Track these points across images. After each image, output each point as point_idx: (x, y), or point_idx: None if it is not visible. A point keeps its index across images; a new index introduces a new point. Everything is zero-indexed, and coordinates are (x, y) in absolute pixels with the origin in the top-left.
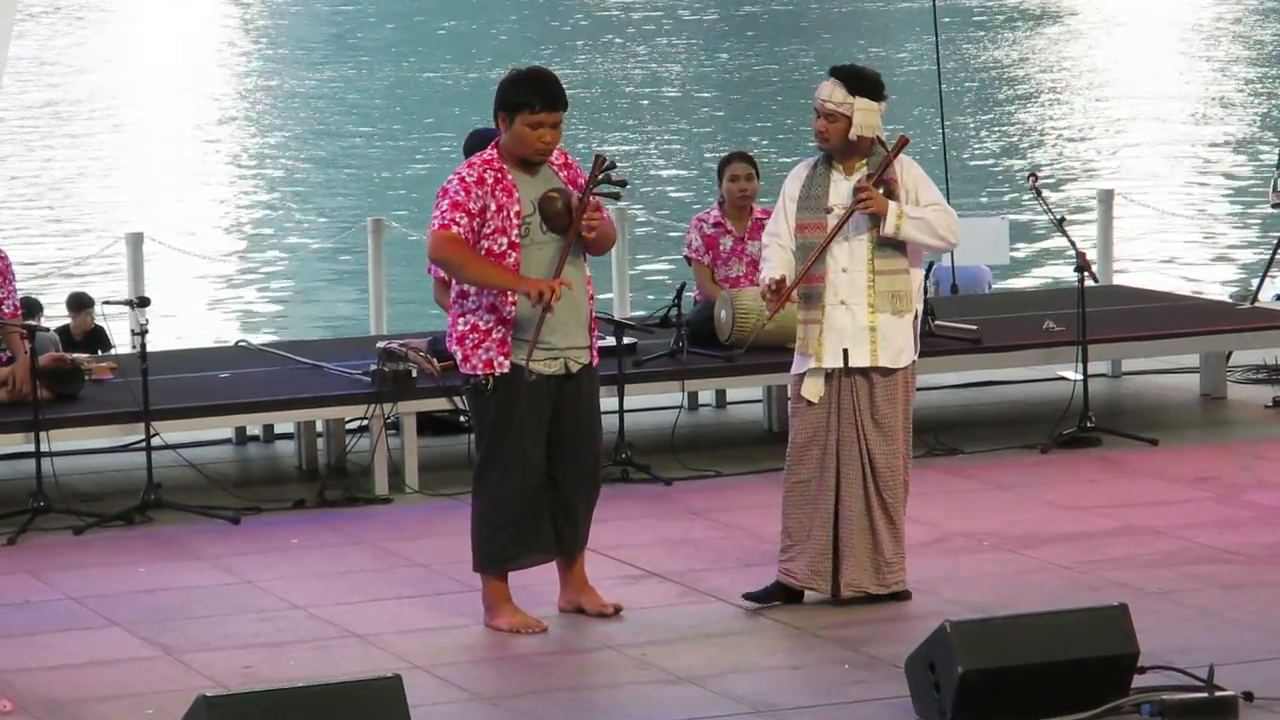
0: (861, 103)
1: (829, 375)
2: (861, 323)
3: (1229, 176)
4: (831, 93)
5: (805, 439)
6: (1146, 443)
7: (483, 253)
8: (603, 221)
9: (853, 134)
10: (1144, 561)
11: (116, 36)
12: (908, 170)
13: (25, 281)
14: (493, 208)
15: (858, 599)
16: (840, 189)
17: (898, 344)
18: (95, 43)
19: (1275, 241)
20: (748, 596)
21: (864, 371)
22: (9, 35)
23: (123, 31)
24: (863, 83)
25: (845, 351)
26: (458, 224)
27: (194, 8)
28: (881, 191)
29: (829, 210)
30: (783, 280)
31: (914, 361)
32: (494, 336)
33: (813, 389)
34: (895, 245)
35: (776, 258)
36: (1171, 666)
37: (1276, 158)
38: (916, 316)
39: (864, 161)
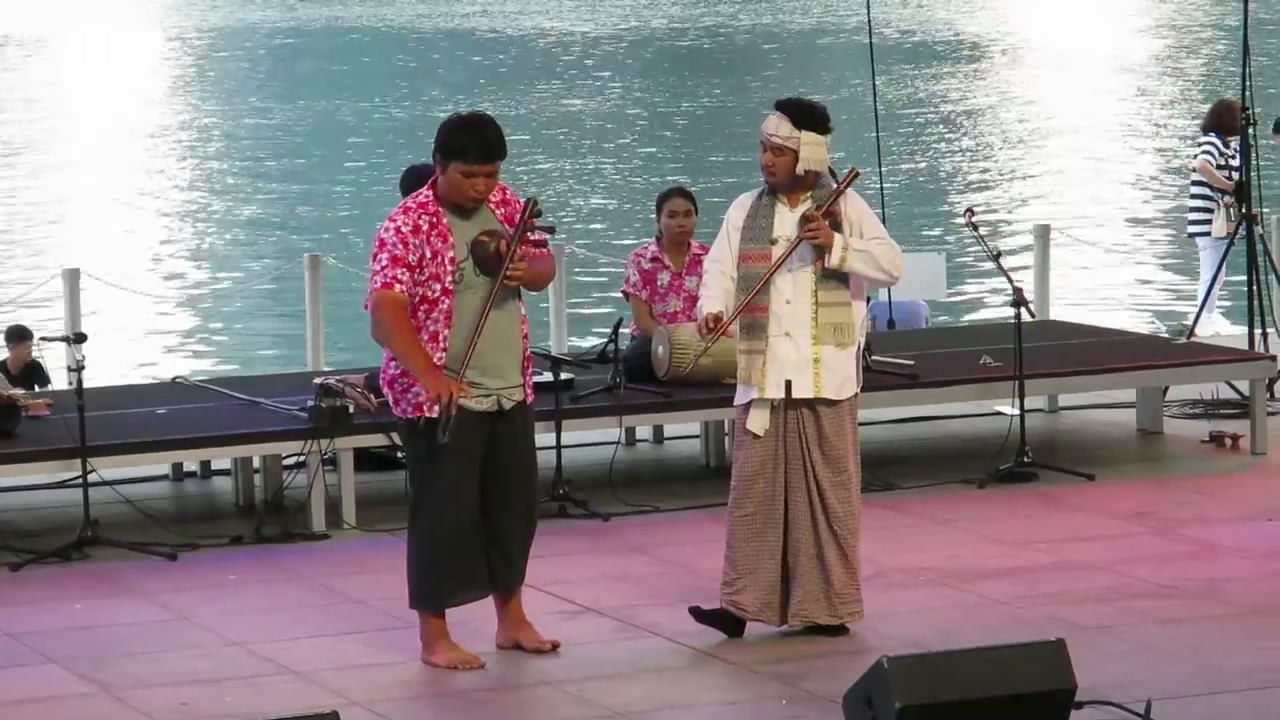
0: (808, 136)
1: (774, 407)
2: (805, 354)
3: (1162, 211)
4: (778, 127)
5: (751, 472)
6: (1084, 478)
7: (418, 299)
8: (525, 273)
9: (800, 168)
10: (1081, 596)
11: (51, 71)
12: (852, 203)
13: None
14: (428, 255)
15: (799, 631)
16: (785, 221)
17: (841, 375)
18: (31, 77)
19: (1210, 278)
20: (693, 610)
21: (809, 403)
22: None
23: (58, 66)
24: (809, 116)
25: (789, 383)
26: (399, 280)
27: (131, 43)
28: (828, 223)
29: (774, 242)
30: (719, 316)
31: (857, 393)
32: None
33: (758, 422)
34: (838, 277)
35: (717, 285)
36: (1109, 701)
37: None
38: (859, 348)
39: (809, 194)
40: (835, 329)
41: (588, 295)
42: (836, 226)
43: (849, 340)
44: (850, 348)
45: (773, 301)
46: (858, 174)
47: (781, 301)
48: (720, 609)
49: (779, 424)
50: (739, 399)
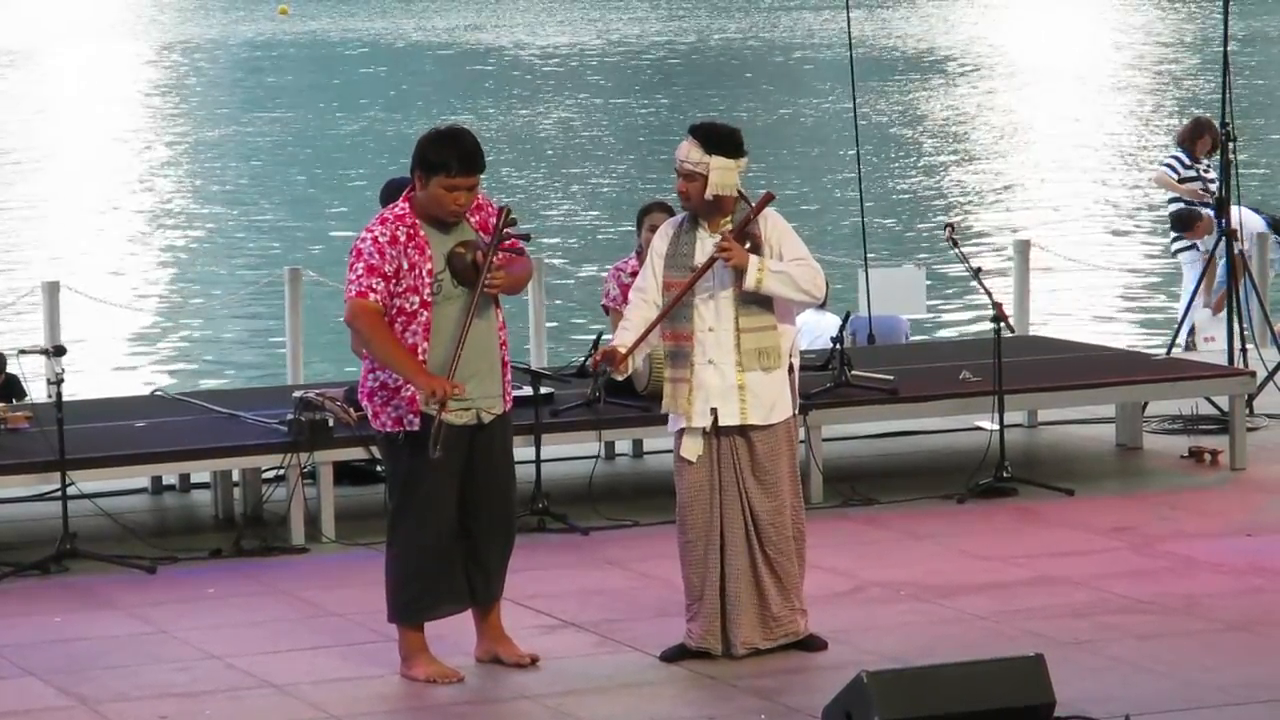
0: (718, 161)
1: (706, 434)
2: (730, 381)
3: (1142, 227)
4: (689, 153)
5: (689, 499)
6: (1063, 493)
7: (395, 310)
8: (504, 281)
9: (709, 193)
10: (1060, 611)
11: (31, 83)
12: (772, 224)
13: None
14: (405, 266)
15: (776, 646)
16: (707, 247)
17: (769, 400)
18: (11, 89)
19: (1190, 292)
20: (663, 658)
21: (740, 430)
22: None
23: (40, 79)
24: (719, 140)
25: (715, 410)
26: (374, 290)
27: (114, 55)
28: (747, 247)
29: (695, 269)
30: (615, 352)
31: (794, 416)
32: (403, 394)
33: (691, 448)
34: (760, 302)
35: (635, 315)
36: (1087, 717)
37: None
38: (792, 370)
39: (728, 219)
40: (760, 354)
41: (567, 309)
42: (756, 249)
43: (775, 364)
44: (777, 371)
45: (696, 329)
46: (772, 197)
47: (704, 329)
48: (680, 644)
49: (712, 451)
50: (671, 426)
